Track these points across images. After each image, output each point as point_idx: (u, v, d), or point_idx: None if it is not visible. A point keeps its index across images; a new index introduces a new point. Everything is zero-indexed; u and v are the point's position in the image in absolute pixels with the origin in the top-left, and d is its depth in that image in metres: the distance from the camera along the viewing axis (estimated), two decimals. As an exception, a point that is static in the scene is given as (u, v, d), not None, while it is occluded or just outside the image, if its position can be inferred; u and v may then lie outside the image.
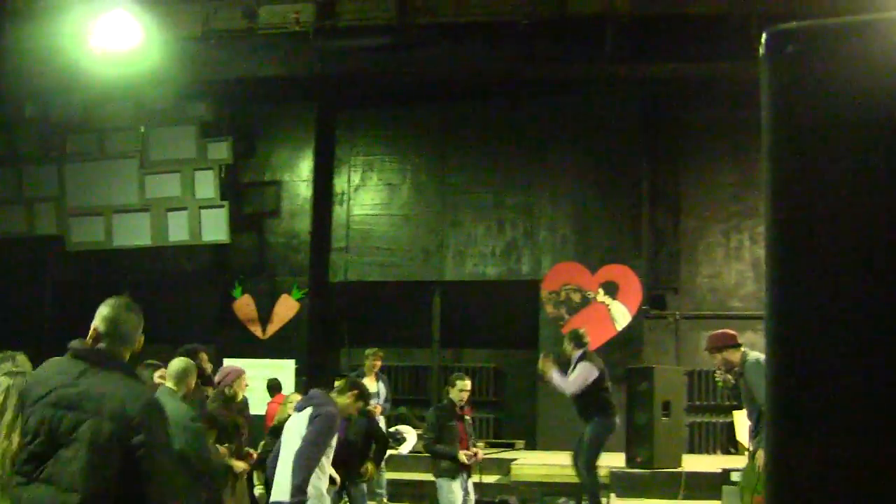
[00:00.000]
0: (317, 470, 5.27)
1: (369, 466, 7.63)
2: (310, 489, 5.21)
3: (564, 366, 8.49)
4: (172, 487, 2.94)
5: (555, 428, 12.01)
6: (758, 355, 5.70)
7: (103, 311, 2.98)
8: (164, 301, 12.05)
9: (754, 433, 5.79)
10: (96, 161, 13.11)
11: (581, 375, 8.04)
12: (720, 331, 6.35)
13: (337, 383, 6.13)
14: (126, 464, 2.80)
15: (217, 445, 5.86)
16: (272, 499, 5.35)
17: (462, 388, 7.45)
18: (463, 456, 7.28)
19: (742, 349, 5.88)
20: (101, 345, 2.96)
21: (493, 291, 12.62)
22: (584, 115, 12.49)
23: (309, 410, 5.31)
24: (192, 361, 5.38)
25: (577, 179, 12.55)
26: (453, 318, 12.84)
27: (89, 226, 13.15)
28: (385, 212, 13.02)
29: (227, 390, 6.59)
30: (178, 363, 5.25)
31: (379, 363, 8.50)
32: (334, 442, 5.38)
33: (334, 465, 5.63)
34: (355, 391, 5.71)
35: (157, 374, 5.77)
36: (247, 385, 7.09)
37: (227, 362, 8.57)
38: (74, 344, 2.99)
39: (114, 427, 2.78)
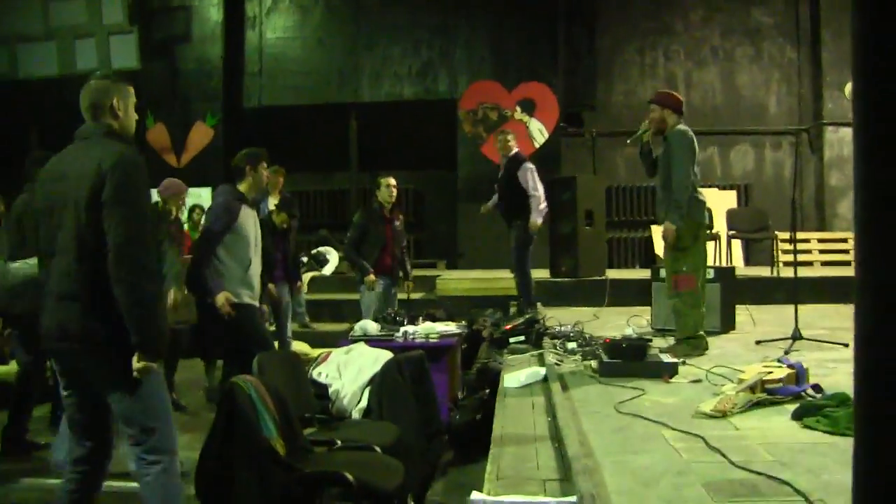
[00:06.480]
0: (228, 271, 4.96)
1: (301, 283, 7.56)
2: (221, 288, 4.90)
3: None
4: (141, 248, 2.83)
5: (474, 247, 12.12)
6: (686, 127, 5.56)
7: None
8: (73, 134, 11.67)
9: (663, 203, 5.62)
10: (-5, -12, 12.65)
11: (534, 180, 8.00)
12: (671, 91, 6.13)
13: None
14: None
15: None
16: None
17: (388, 185, 7.33)
18: (371, 279, 7.18)
19: (680, 119, 5.60)
20: None
21: (410, 112, 12.50)
22: (500, -68, 12.30)
23: None
24: None
25: (492, -2, 12.43)
26: (370, 140, 12.74)
27: (-8, 56, 12.74)
28: (298, 35, 12.74)
29: (159, 204, 6.32)
30: None
31: (281, 179, 8.22)
32: (252, 237, 5.04)
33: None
34: (248, 165, 5.11)
35: None
36: (183, 205, 6.80)
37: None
38: None
39: (91, 184, 2.82)
